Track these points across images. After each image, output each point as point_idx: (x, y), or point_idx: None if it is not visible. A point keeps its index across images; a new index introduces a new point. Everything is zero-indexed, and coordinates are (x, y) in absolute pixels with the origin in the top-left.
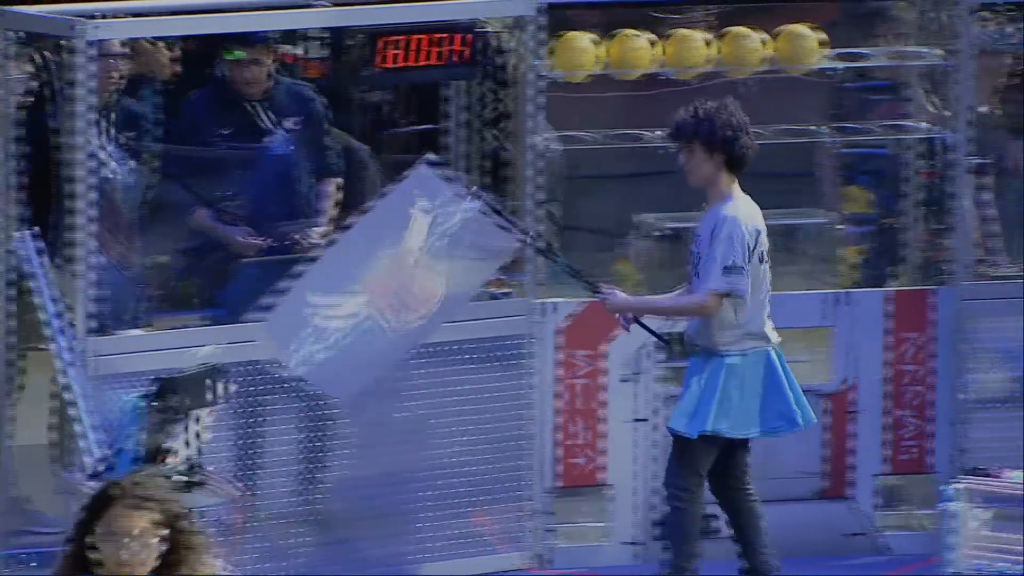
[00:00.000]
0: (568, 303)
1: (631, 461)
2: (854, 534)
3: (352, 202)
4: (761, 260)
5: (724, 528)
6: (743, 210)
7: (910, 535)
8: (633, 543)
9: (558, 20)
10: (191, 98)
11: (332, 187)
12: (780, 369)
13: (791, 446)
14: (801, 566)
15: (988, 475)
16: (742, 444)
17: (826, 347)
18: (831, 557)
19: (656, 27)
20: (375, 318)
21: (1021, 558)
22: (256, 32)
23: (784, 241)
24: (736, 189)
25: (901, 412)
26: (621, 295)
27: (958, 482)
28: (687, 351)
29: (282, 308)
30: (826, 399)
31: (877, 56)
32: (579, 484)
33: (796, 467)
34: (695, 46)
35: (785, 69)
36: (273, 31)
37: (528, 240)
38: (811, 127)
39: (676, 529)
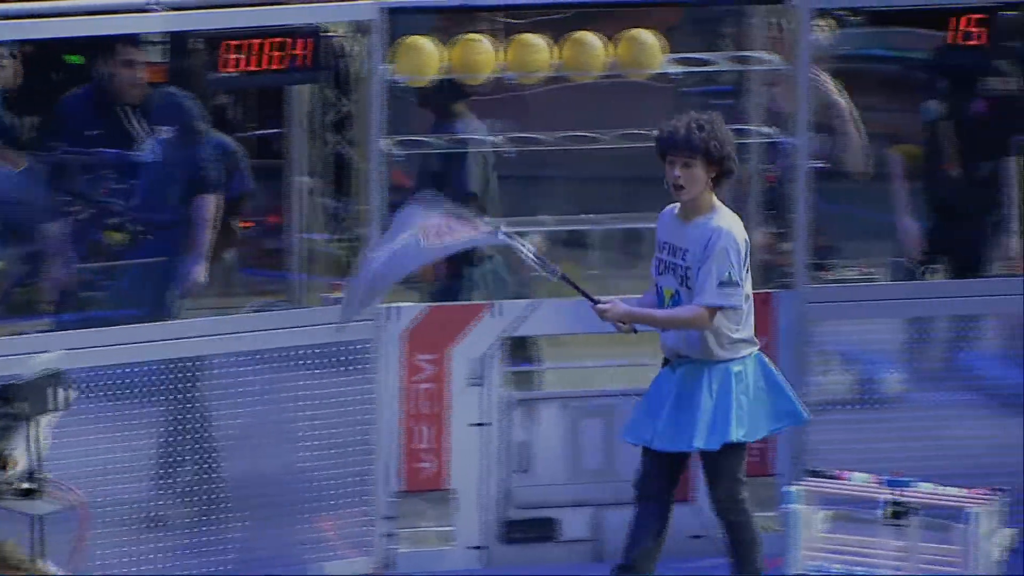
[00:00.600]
0: (412, 307)
1: (476, 465)
2: (698, 536)
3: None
4: (748, 271)
5: (567, 531)
6: (733, 222)
7: None
8: (478, 547)
9: (401, 25)
10: (64, 100)
11: (210, 204)
12: (771, 368)
13: (634, 449)
14: None
15: (829, 477)
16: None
17: None
18: (675, 559)
19: (499, 32)
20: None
21: (862, 559)
22: (132, 34)
23: (626, 245)
24: (717, 201)
25: None
26: (622, 305)
27: (800, 484)
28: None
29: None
30: None
31: (719, 61)
32: (424, 489)
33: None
34: (537, 51)
35: (627, 74)
36: (114, 35)
37: (556, 276)
38: (654, 131)
39: (746, 540)
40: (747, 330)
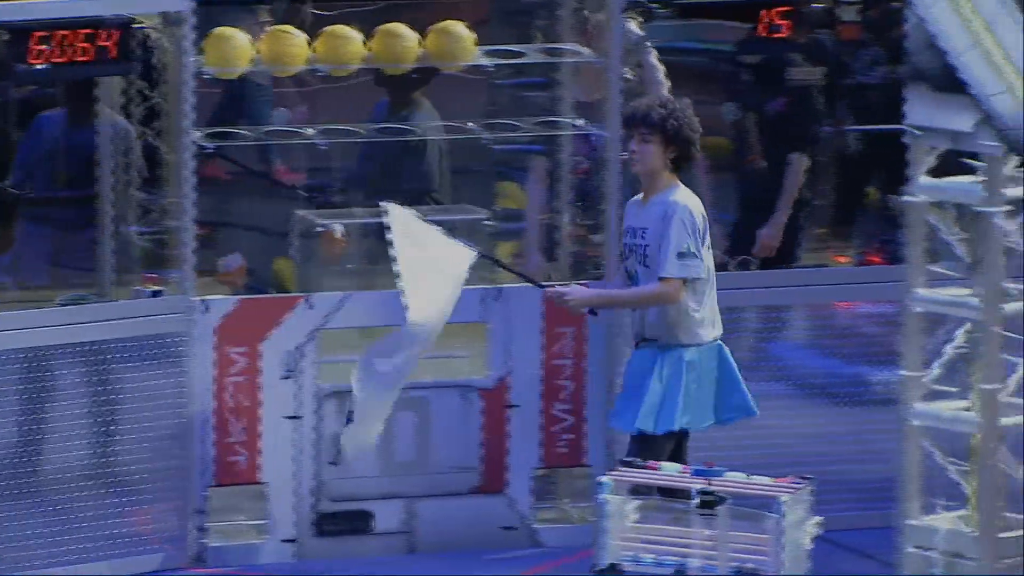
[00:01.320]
0: (223, 300)
1: (290, 458)
2: (511, 527)
3: None
4: (708, 248)
5: (380, 524)
6: (689, 197)
7: (566, 528)
8: (291, 540)
9: (210, 16)
10: None
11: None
12: (730, 360)
13: (448, 441)
14: (459, 561)
15: (641, 467)
16: (684, 436)
17: (482, 342)
18: (489, 551)
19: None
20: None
21: (673, 548)
22: None
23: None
24: (677, 181)
25: (556, 406)
26: (580, 290)
27: (612, 475)
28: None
29: None
30: (482, 394)
31: (531, 53)
32: (237, 482)
33: (453, 462)
34: (349, 42)
35: (439, 66)
36: None
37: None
38: (466, 124)
39: None
40: (706, 311)
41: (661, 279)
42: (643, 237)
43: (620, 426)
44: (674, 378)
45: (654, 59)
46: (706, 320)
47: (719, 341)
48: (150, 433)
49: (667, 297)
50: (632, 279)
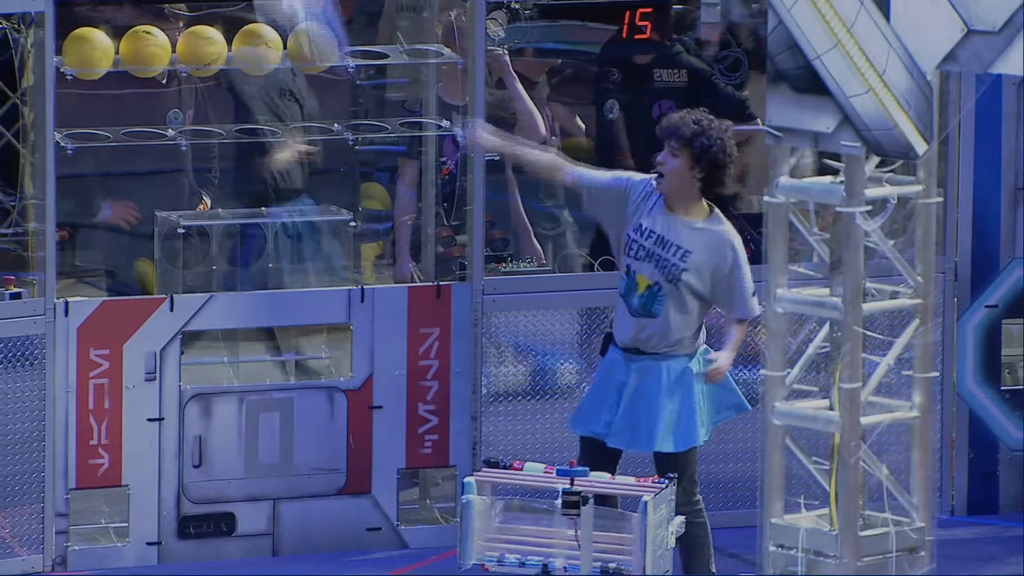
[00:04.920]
0: (85, 302)
1: (153, 461)
2: (376, 528)
3: None
4: None
5: (244, 526)
6: (734, 230)
7: (431, 528)
8: (153, 543)
9: (72, 16)
10: None
11: None
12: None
13: (312, 443)
14: (324, 563)
15: (505, 468)
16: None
17: (347, 344)
18: (354, 552)
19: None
20: None
21: (537, 549)
22: None
23: (305, 238)
24: (714, 207)
25: (421, 407)
26: (726, 355)
27: (476, 475)
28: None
29: None
30: (347, 395)
31: (394, 54)
32: (99, 485)
33: (317, 464)
34: (211, 43)
35: (302, 67)
36: None
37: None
38: (330, 124)
39: (699, 540)
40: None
41: (741, 320)
42: (683, 259)
43: (581, 430)
44: (686, 392)
45: (527, 101)
46: (701, 328)
47: (704, 345)
48: (9, 436)
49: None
50: (629, 276)
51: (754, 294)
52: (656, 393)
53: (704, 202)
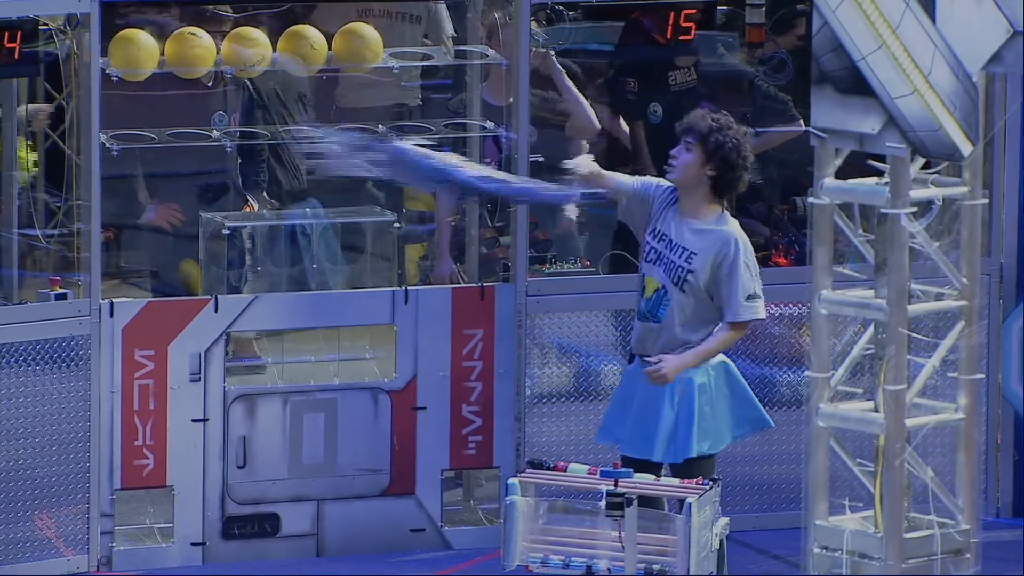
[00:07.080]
0: (130, 303)
1: (197, 462)
2: (420, 530)
3: None
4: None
5: (288, 527)
6: (741, 231)
7: (475, 530)
8: (198, 543)
9: (117, 18)
10: None
11: None
12: (738, 375)
13: (356, 444)
14: (368, 564)
15: (549, 469)
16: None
17: (391, 345)
18: (398, 553)
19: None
20: None
21: (581, 550)
22: None
23: (347, 239)
24: (725, 209)
25: (465, 408)
26: (672, 359)
27: (519, 476)
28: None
29: None
30: (391, 396)
31: (438, 55)
32: (144, 485)
33: (361, 465)
34: (255, 44)
35: (347, 68)
36: None
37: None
38: (375, 125)
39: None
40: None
41: (732, 323)
42: (687, 261)
43: (605, 440)
44: (686, 404)
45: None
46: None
47: (724, 358)
48: (55, 437)
49: (734, 339)
50: (640, 280)
51: (753, 299)
52: (659, 401)
53: (716, 205)
